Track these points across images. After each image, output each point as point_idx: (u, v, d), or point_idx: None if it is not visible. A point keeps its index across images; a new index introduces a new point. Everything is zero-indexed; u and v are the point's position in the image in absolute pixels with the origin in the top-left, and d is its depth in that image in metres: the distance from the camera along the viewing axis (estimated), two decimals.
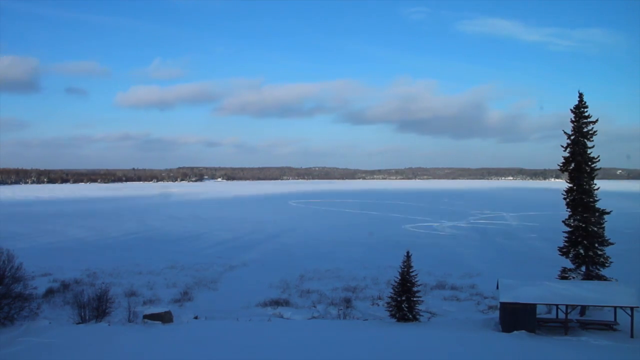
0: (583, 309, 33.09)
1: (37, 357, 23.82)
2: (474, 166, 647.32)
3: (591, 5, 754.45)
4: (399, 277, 32.18)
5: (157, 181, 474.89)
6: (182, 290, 42.69)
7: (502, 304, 29.56)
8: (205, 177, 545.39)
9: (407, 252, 32.54)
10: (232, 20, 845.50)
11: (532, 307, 28.95)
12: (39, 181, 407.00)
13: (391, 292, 33.12)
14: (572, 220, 35.08)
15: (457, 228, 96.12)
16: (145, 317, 30.90)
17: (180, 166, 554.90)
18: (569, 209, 35.42)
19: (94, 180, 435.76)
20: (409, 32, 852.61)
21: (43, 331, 28.08)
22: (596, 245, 34.08)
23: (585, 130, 34.78)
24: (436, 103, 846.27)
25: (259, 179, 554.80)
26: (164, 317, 30.96)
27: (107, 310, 32.58)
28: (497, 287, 30.40)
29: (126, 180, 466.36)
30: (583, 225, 34.23)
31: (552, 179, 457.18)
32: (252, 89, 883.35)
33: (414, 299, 32.24)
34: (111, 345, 25.97)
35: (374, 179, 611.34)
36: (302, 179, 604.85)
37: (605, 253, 34.28)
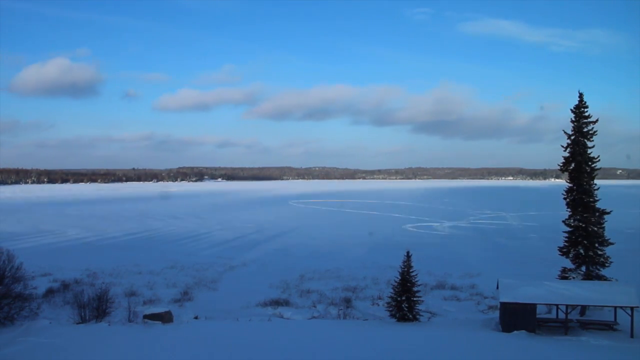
0: (583, 309, 33.09)
1: (37, 357, 23.83)
2: (474, 166, 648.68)
3: (593, 6, 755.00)
4: (399, 277, 32.19)
5: (157, 181, 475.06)
6: (182, 290, 42.63)
7: (502, 303, 29.58)
8: (206, 177, 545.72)
9: (407, 252, 32.56)
10: (232, 22, 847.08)
11: (532, 307, 28.95)
12: (39, 181, 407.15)
13: (391, 292, 33.13)
14: (572, 220, 35.08)
15: (457, 228, 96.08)
16: (145, 317, 30.91)
17: (181, 166, 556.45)
18: (569, 209, 35.43)
19: (94, 181, 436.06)
20: (411, 33, 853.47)
21: (43, 331, 28.06)
22: (596, 245, 34.07)
23: (585, 130, 34.78)
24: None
25: (259, 179, 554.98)
26: (164, 317, 30.96)
27: (107, 310, 32.56)
28: (497, 287, 30.41)
29: (126, 180, 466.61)
30: (583, 225, 34.22)
31: (552, 179, 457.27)
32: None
33: (414, 299, 32.24)
34: (111, 345, 25.97)
35: (374, 179, 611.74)
36: (302, 178, 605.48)
37: (605, 253, 34.27)
